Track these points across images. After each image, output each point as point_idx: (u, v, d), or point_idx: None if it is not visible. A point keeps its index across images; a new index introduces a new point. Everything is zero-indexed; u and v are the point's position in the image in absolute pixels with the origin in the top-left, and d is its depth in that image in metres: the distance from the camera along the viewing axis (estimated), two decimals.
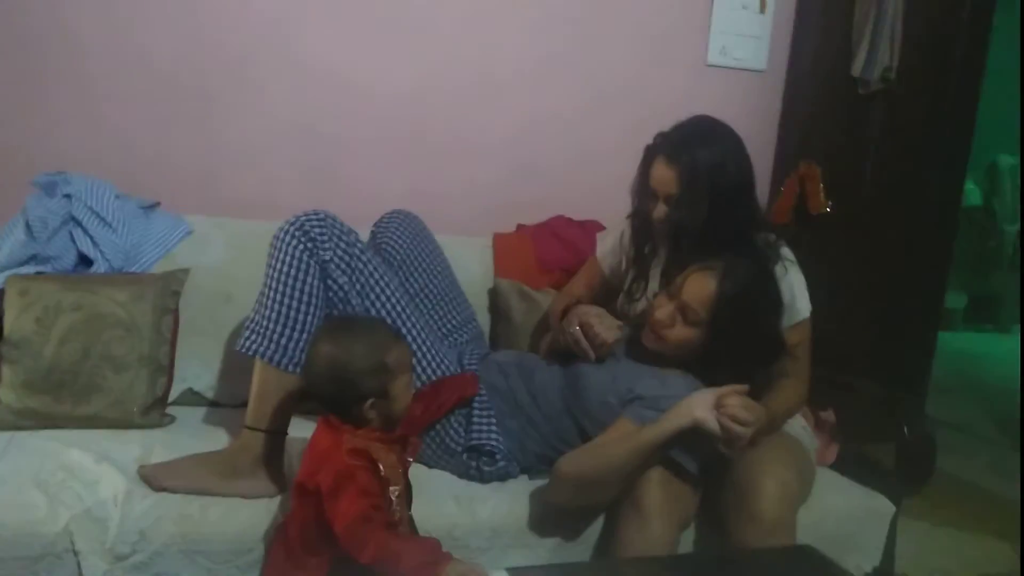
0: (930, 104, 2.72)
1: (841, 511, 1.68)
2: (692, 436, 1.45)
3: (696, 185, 1.59)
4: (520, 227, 2.28)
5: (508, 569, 1.15)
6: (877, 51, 2.56)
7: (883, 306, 2.79)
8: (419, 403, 1.51)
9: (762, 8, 2.58)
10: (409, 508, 1.35)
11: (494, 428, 1.62)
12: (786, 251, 1.72)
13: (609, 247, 1.91)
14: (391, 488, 1.25)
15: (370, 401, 1.26)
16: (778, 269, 1.65)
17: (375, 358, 1.26)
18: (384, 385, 1.27)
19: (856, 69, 2.58)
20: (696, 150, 1.60)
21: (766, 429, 1.52)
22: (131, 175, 2.04)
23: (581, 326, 1.63)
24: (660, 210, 1.66)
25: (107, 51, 2.04)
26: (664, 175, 1.63)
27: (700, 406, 1.43)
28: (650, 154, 1.68)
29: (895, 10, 2.51)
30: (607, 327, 1.63)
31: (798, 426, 1.74)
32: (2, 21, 1.96)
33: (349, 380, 1.25)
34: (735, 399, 1.43)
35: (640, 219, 1.76)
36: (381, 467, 1.23)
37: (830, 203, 2.59)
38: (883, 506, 1.71)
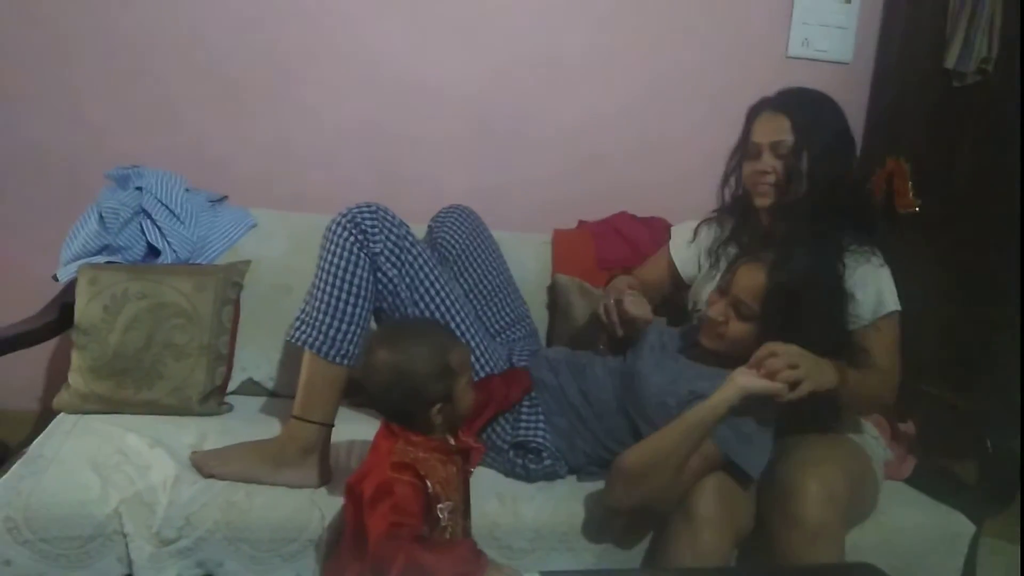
0: None
1: (914, 529, 1.56)
2: (752, 430, 1.38)
3: (811, 133, 1.57)
4: (581, 224, 2.23)
5: (543, 573, 1.11)
6: (973, 42, 2.40)
7: (976, 311, 2.61)
8: (479, 392, 1.45)
9: None
10: (467, 517, 1.32)
11: (542, 425, 1.58)
12: (875, 248, 1.63)
13: (685, 238, 1.85)
14: (440, 505, 1.20)
15: (437, 406, 1.22)
16: (863, 263, 1.58)
17: (438, 361, 1.23)
18: (449, 388, 1.24)
19: (950, 61, 2.42)
20: (808, 103, 1.61)
21: (841, 384, 1.42)
22: (202, 170, 2.10)
23: (614, 300, 1.60)
24: (765, 161, 1.61)
25: (182, 50, 2.10)
26: (773, 123, 1.60)
27: (741, 374, 1.38)
28: (754, 111, 1.67)
29: None
30: (637, 303, 1.59)
31: (868, 434, 1.63)
32: (89, 27, 2.05)
33: (415, 387, 1.21)
34: (767, 348, 1.37)
35: (735, 184, 1.72)
36: (429, 483, 1.19)
37: (919, 201, 2.44)
38: (962, 525, 1.58)
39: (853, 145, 1.66)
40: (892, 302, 1.59)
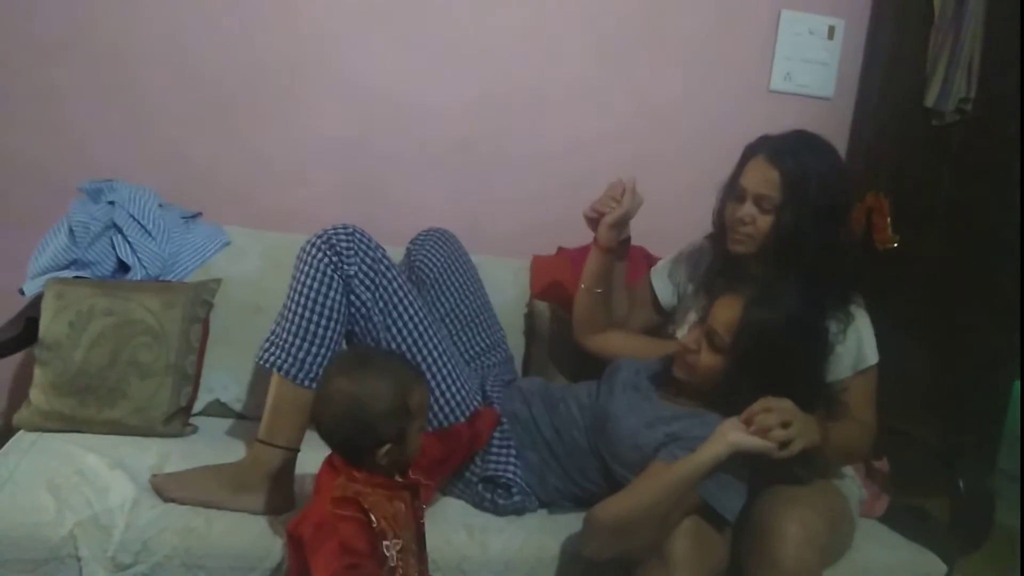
0: (1008, 138, 2.56)
1: (886, 568, 1.55)
2: (728, 475, 1.36)
3: (799, 193, 1.50)
4: (561, 250, 2.22)
5: None
6: (953, 81, 2.43)
7: (951, 351, 2.62)
8: (439, 444, 1.43)
9: (830, 34, 2.48)
10: (422, 560, 1.25)
11: (512, 459, 1.55)
12: (855, 294, 1.61)
13: (664, 267, 1.84)
14: (386, 543, 1.13)
15: (386, 447, 1.16)
16: (845, 313, 1.55)
17: (398, 400, 1.17)
18: (403, 430, 1.18)
19: (930, 99, 2.45)
20: (803, 157, 1.52)
21: (823, 443, 1.39)
22: (178, 185, 2.07)
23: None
24: (746, 210, 1.54)
25: (159, 66, 2.08)
26: (763, 175, 1.53)
27: (732, 429, 1.34)
28: (749, 152, 1.59)
29: (973, 38, 2.38)
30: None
31: (845, 475, 1.61)
32: (63, 35, 2.02)
33: (368, 423, 1.15)
34: (762, 403, 1.34)
35: (718, 221, 1.67)
36: (374, 518, 1.12)
37: (897, 237, 2.45)
38: (934, 566, 1.57)
39: (848, 206, 1.60)
40: (872, 355, 1.57)
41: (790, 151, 1.53)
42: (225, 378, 1.83)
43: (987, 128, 2.50)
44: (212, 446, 1.62)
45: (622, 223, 1.71)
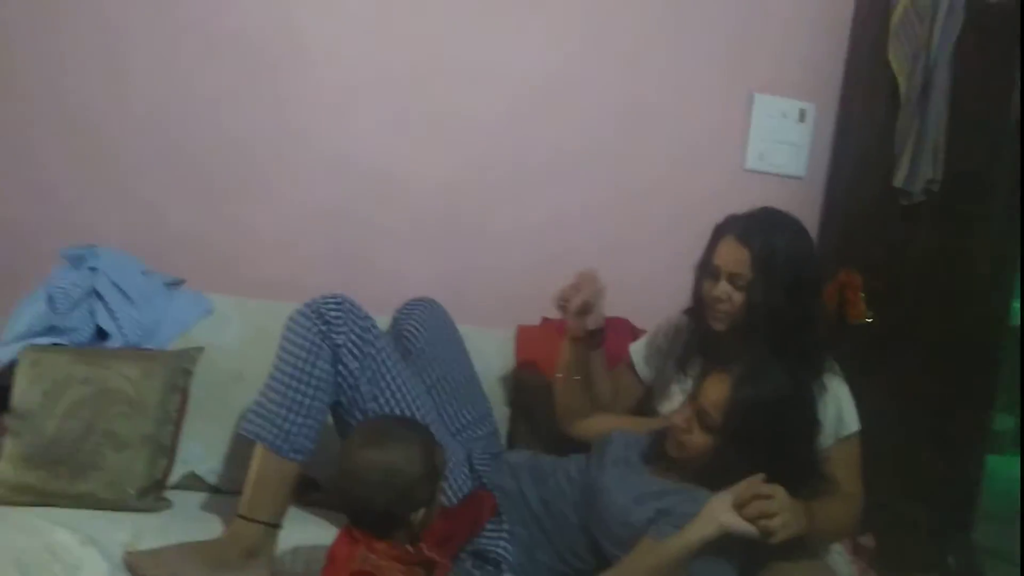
0: (974, 218, 2.65)
1: None
2: (719, 553, 1.34)
3: (769, 270, 1.53)
4: (545, 320, 2.22)
5: None
6: (920, 163, 2.52)
7: (927, 425, 2.64)
8: (447, 521, 1.41)
9: (801, 117, 2.57)
10: None
11: (504, 535, 1.52)
12: (831, 363, 1.63)
13: (644, 344, 1.85)
14: None
15: (422, 511, 1.19)
16: (823, 382, 1.56)
17: (429, 461, 1.20)
18: (433, 490, 1.21)
19: (898, 180, 2.53)
20: (771, 235, 1.56)
21: (808, 529, 1.39)
22: (161, 252, 2.06)
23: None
24: (721, 288, 1.58)
25: (142, 135, 2.09)
26: (734, 254, 1.56)
27: (722, 510, 1.33)
28: (719, 232, 1.63)
29: (938, 122, 2.48)
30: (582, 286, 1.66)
31: (833, 550, 1.60)
32: (41, 100, 2.03)
33: (406, 488, 1.17)
34: (752, 489, 1.33)
35: (695, 300, 1.69)
36: None
37: (871, 313, 2.50)
38: None
39: (817, 280, 1.65)
40: (853, 421, 1.59)
41: (758, 230, 1.57)
42: (201, 450, 1.78)
43: (953, 207, 2.59)
44: (187, 521, 1.56)
45: (584, 312, 1.71)
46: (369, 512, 1.20)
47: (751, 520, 1.32)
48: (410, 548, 1.22)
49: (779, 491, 1.35)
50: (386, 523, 1.19)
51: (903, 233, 2.60)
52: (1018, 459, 5.02)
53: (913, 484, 2.47)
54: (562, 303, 1.71)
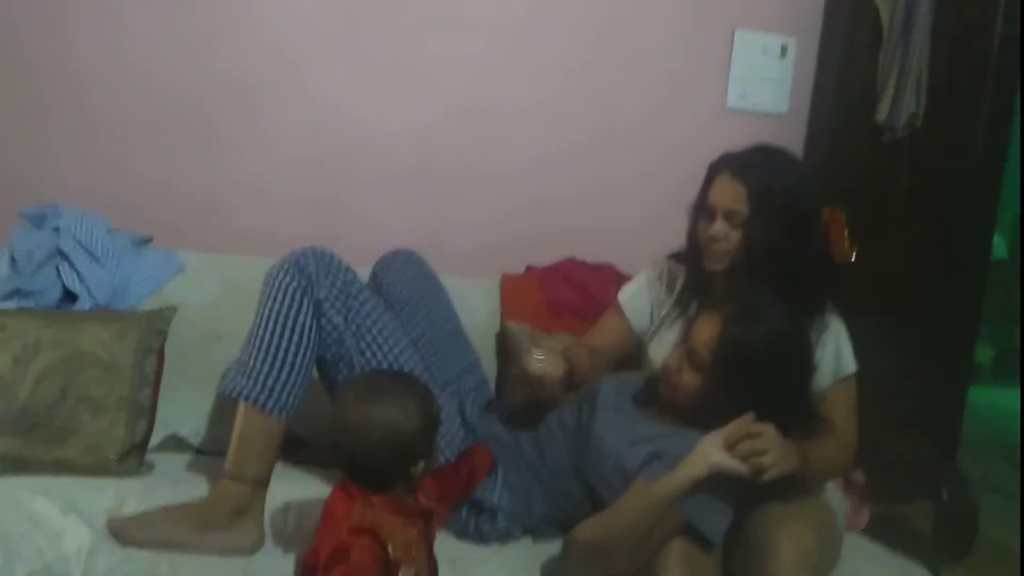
0: (957, 153, 2.64)
1: None
2: (713, 494, 1.33)
3: (767, 205, 1.49)
4: (530, 269, 2.18)
5: None
6: (903, 97, 2.48)
7: (909, 359, 2.66)
8: (442, 478, 1.38)
9: (782, 53, 2.52)
10: None
11: (498, 484, 1.50)
12: (829, 304, 1.60)
13: (635, 290, 1.78)
14: (402, 571, 1.13)
15: (421, 463, 1.18)
16: (821, 323, 1.54)
17: (428, 413, 1.19)
18: (432, 442, 1.20)
19: (881, 115, 2.50)
20: (768, 170, 1.52)
21: (801, 467, 1.38)
22: (128, 208, 1.98)
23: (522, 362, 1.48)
24: (717, 227, 1.53)
25: (108, 82, 2.00)
26: (730, 191, 1.52)
27: (712, 449, 1.32)
28: (713, 170, 1.58)
29: (921, 55, 2.44)
30: (542, 361, 1.47)
31: (827, 488, 1.60)
32: (5, 55, 1.92)
33: (406, 443, 1.16)
34: (742, 428, 1.32)
35: (687, 245, 1.65)
36: (390, 547, 1.12)
37: (855, 250, 2.48)
38: None
39: (815, 213, 1.60)
40: (851, 362, 1.57)
41: (754, 165, 1.53)
42: (182, 411, 1.73)
43: (936, 142, 2.57)
44: (171, 484, 1.50)
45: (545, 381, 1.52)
46: (369, 468, 1.18)
47: (742, 459, 1.31)
48: (408, 500, 1.21)
49: (768, 429, 1.34)
50: (386, 477, 1.18)
51: (886, 169, 2.58)
52: (997, 390, 5.14)
53: (899, 418, 2.50)
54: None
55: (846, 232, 2.47)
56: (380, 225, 2.18)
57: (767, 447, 1.31)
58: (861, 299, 2.43)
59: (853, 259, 2.46)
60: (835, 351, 1.55)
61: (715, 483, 1.32)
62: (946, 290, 2.67)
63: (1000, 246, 5.06)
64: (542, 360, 1.47)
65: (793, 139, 2.56)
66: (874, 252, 2.49)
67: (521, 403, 1.60)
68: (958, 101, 2.59)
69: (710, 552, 1.37)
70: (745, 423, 1.33)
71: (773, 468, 1.32)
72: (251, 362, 1.39)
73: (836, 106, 2.54)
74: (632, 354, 1.77)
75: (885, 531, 1.65)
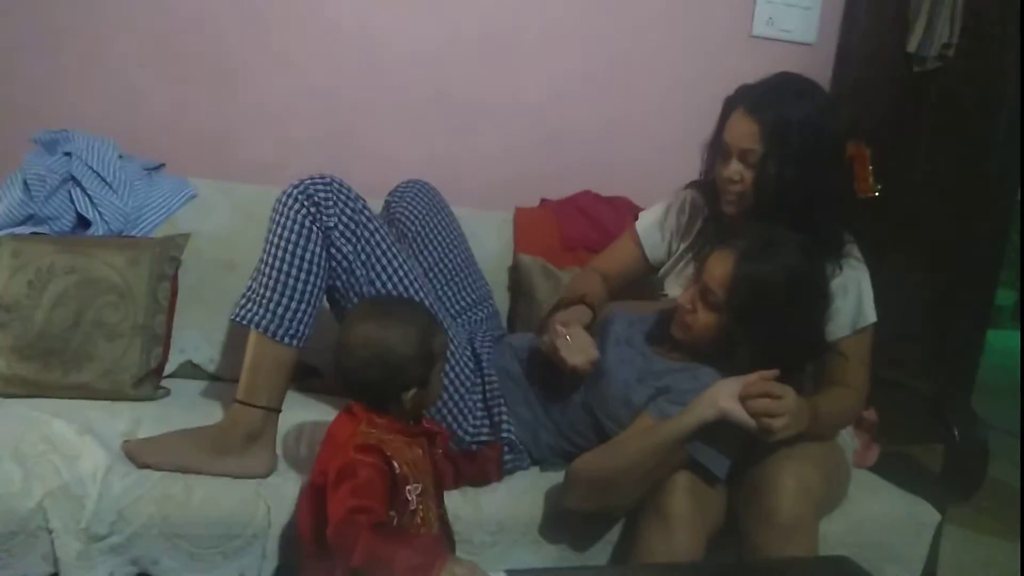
0: (989, 86, 2.54)
1: (880, 518, 1.54)
2: (720, 434, 1.32)
3: (782, 144, 1.41)
4: (544, 202, 2.16)
5: (508, 571, 1.04)
6: (936, 26, 2.39)
7: (929, 299, 2.62)
8: (451, 467, 1.38)
9: None
10: (440, 503, 1.26)
11: (506, 417, 1.50)
12: (855, 249, 1.54)
13: (654, 219, 1.73)
14: (409, 487, 1.16)
15: (412, 391, 1.19)
16: (846, 267, 1.48)
17: (423, 343, 1.20)
18: (427, 373, 1.21)
19: (912, 45, 2.41)
20: (784, 104, 1.42)
21: (810, 428, 1.37)
22: (139, 135, 1.96)
23: (550, 344, 1.44)
24: (732, 168, 1.46)
25: (121, 7, 1.95)
26: (744, 129, 1.44)
27: (725, 395, 1.29)
28: (729, 106, 1.50)
29: None
30: (576, 350, 1.43)
31: None
32: None
33: (396, 366, 1.18)
34: (762, 385, 1.30)
35: (706, 182, 1.59)
36: (396, 464, 1.14)
37: (879, 186, 2.42)
38: (927, 514, 1.56)
39: (837, 148, 1.50)
40: (871, 313, 1.52)
41: (769, 99, 1.44)
42: (197, 338, 1.75)
43: (969, 74, 2.48)
44: (186, 409, 1.53)
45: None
46: (358, 384, 1.20)
47: (753, 415, 1.28)
48: (410, 422, 1.23)
49: (789, 393, 1.31)
50: (376, 398, 1.19)
51: (916, 103, 2.50)
52: (1016, 333, 5.08)
53: (914, 358, 2.48)
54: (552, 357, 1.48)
55: (871, 168, 2.41)
56: (394, 157, 2.15)
57: (782, 411, 1.29)
58: (883, 236, 2.40)
59: (877, 195, 2.41)
60: (857, 301, 1.50)
61: (722, 426, 1.31)
62: (970, 231, 2.62)
63: None
64: (577, 354, 1.42)
65: (821, 70, 2.48)
66: (899, 189, 2.44)
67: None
68: (992, 32, 2.49)
69: (717, 484, 1.38)
70: (766, 380, 1.31)
71: (782, 432, 1.30)
72: (261, 290, 1.38)
73: (866, 35, 2.44)
74: (644, 279, 1.75)
75: (894, 470, 1.65)
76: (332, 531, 1.07)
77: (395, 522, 1.13)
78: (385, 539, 1.04)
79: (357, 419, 1.18)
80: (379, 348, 1.17)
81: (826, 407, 1.42)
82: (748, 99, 1.47)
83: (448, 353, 1.48)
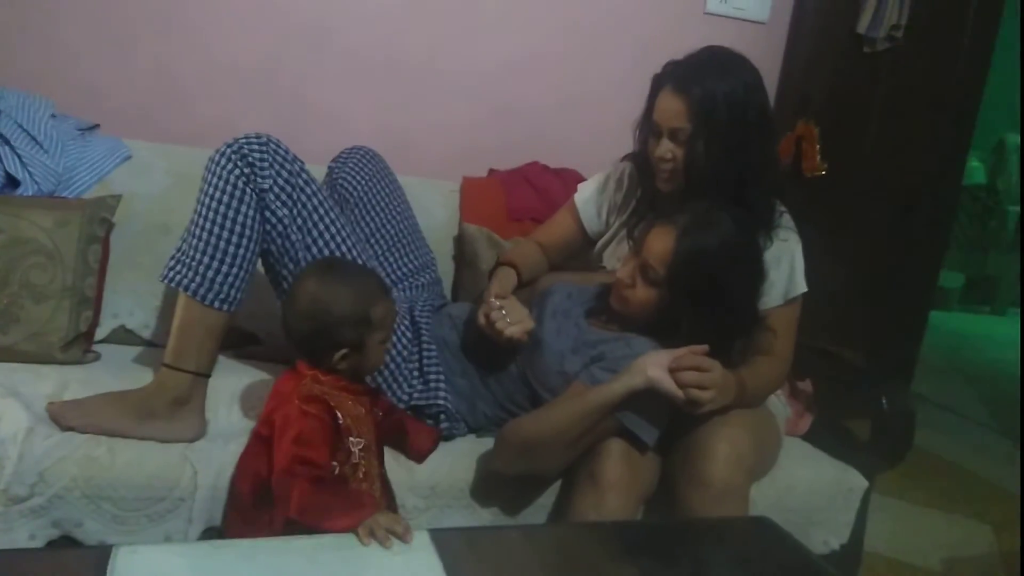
0: (937, 70, 2.58)
1: (809, 484, 1.56)
2: (649, 404, 1.33)
3: (709, 120, 1.40)
4: (492, 172, 2.15)
5: (431, 530, 1.04)
6: (885, 8, 2.42)
7: (874, 279, 2.67)
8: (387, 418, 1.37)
9: None
10: (381, 461, 1.28)
11: (442, 387, 1.50)
12: (787, 219, 1.55)
13: (591, 192, 1.72)
14: (351, 439, 1.19)
15: (343, 352, 1.20)
16: (777, 238, 1.49)
17: (360, 308, 1.21)
18: (361, 338, 1.21)
19: (862, 26, 2.44)
20: (710, 80, 1.41)
21: (735, 400, 1.39)
22: (72, 97, 1.90)
23: (486, 318, 1.45)
24: (663, 147, 1.46)
25: None
26: (671, 107, 1.43)
27: (654, 365, 1.31)
28: (657, 83, 1.49)
29: None
30: (512, 321, 1.43)
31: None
32: None
33: (328, 324, 1.19)
34: (692, 359, 1.31)
35: (639, 159, 1.59)
36: (340, 415, 1.17)
37: (826, 165, 2.45)
38: (855, 481, 1.60)
39: (769, 128, 1.51)
40: (802, 283, 1.53)
41: (695, 76, 1.43)
42: (130, 303, 1.71)
43: (916, 56, 2.51)
44: (116, 374, 1.49)
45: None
46: (298, 338, 1.23)
47: (682, 386, 1.29)
48: (354, 383, 1.25)
49: (717, 367, 1.33)
50: (312, 353, 1.21)
51: (865, 84, 2.53)
52: (965, 316, 5.20)
53: (856, 336, 2.53)
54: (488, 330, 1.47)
55: (818, 147, 2.44)
56: (343, 123, 2.12)
57: (710, 384, 1.31)
58: (829, 212, 2.44)
59: (823, 174, 2.44)
60: (789, 272, 1.52)
61: (652, 396, 1.32)
62: (916, 211, 2.66)
63: (979, 171, 5.04)
64: (513, 325, 1.42)
65: (773, 48, 2.50)
66: (847, 167, 2.47)
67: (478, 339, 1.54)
68: (942, 16, 2.52)
69: (645, 454, 1.39)
70: (696, 354, 1.32)
71: (709, 405, 1.32)
72: (191, 252, 1.35)
73: (819, 15, 2.47)
74: (582, 251, 1.75)
75: (825, 439, 1.68)
76: (274, 479, 1.11)
77: (336, 471, 1.16)
78: (320, 492, 1.08)
79: (302, 375, 1.20)
80: (314, 302, 1.20)
81: (752, 380, 1.44)
82: (675, 76, 1.46)
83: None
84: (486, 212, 1.98)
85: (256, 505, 1.19)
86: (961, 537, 2.28)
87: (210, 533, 1.28)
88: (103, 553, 0.90)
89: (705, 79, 1.42)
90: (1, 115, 1.67)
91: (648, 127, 1.52)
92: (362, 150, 1.78)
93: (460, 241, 1.96)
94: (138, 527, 1.26)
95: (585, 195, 1.73)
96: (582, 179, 2.09)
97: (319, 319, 1.19)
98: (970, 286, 5.20)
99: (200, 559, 0.96)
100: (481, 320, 1.46)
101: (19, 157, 1.65)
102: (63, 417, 1.30)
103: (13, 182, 1.66)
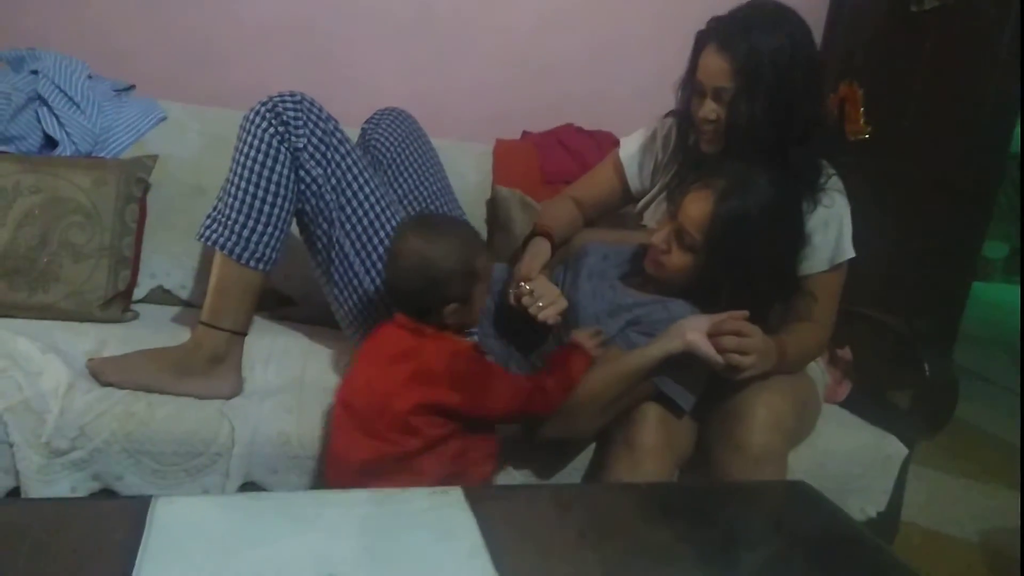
0: (988, 30, 2.48)
1: (847, 451, 1.54)
2: (687, 369, 1.32)
3: (754, 79, 1.36)
4: (525, 134, 2.12)
5: (465, 488, 1.04)
6: None
7: (916, 246, 2.60)
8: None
9: None
10: None
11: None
12: (836, 181, 1.50)
13: (636, 148, 1.67)
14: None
15: (453, 306, 1.22)
16: (824, 202, 1.45)
17: (467, 260, 1.22)
18: (468, 290, 1.23)
19: None
20: (755, 37, 1.36)
21: (775, 367, 1.36)
22: (108, 60, 1.91)
23: (516, 299, 1.42)
24: (707, 108, 1.42)
25: None
26: (714, 66, 1.39)
27: (693, 329, 1.29)
28: (700, 41, 1.44)
29: None
30: (544, 303, 1.39)
31: None
32: None
33: (437, 280, 1.20)
34: (733, 324, 1.29)
35: (682, 119, 1.55)
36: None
37: (870, 128, 2.39)
38: (894, 448, 1.57)
39: (817, 86, 1.45)
40: (849, 249, 1.49)
41: (740, 33, 1.38)
42: (168, 263, 1.73)
43: (966, 16, 2.42)
44: (154, 331, 1.52)
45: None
46: (404, 295, 1.24)
47: (721, 351, 1.27)
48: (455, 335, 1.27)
49: (758, 332, 1.30)
50: (419, 310, 1.22)
51: (911, 45, 2.45)
52: (1007, 287, 5.07)
53: (897, 304, 2.47)
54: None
55: (862, 109, 2.37)
56: (375, 85, 2.10)
57: (750, 349, 1.28)
58: (871, 177, 2.37)
59: (867, 137, 2.38)
60: (837, 236, 1.47)
61: (689, 361, 1.30)
62: (960, 178, 2.58)
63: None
64: (545, 308, 1.38)
65: (816, 8, 2.42)
66: (891, 131, 2.40)
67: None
68: None
69: (681, 417, 1.37)
70: (737, 320, 1.30)
71: (749, 370, 1.30)
72: (227, 211, 1.35)
73: None
74: (621, 208, 1.72)
75: (864, 406, 1.65)
76: (541, 405, 1.26)
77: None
78: (556, 374, 1.28)
79: (420, 331, 1.21)
80: (422, 259, 1.20)
81: (793, 346, 1.41)
82: (719, 34, 1.41)
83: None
84: (519, 175, 1.96)
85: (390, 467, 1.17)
86: (999, 509, 2.24)
87: (247, 488, 1.30)
88: (142, 503, 0.91)
89: (750, 35, 1.37)
90: (38, 76, 1.69)
91: (691, 86, 1.47)
92: (395, 112, 1.77)
93: (493, 204, 1.94)
94: (176, 481, 1.28)
95: (630, 151, 1.68)
96: (616, 140, 2.05)
97: (428, 275, 1.19)
98: (1014, 256, 5.06)
99: (237, 510, 0.97)
100: (512, 301, 1.44)
101: (57, 117, 1.66)
102: (103, 373, 1.31)
103: (51, 143, 1.67)
